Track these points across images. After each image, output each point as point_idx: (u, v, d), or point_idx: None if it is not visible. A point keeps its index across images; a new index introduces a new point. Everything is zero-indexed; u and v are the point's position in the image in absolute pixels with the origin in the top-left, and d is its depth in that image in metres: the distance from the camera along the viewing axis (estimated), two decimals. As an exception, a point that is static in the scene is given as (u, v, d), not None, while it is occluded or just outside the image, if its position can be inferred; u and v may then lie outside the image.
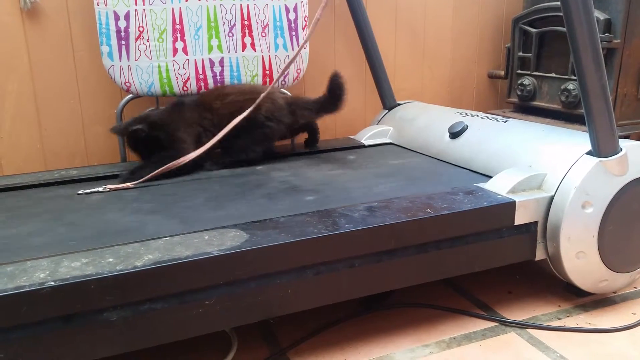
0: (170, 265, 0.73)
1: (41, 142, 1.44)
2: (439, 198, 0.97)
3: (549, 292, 1.11)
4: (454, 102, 1.94)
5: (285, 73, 1.46)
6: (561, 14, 0.94)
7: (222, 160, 1.27)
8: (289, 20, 1.44)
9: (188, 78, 1.39)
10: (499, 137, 1.18)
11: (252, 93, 1.30)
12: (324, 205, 0.97)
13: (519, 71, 1.78)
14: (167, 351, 0.93)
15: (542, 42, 1.69)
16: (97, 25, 1.31)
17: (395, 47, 1.79)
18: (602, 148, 0.98)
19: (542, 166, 1.03)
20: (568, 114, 1.63)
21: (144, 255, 0.75)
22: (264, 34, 1.42)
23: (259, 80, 1.44)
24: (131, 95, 1.40)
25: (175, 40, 1.36)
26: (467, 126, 1.28)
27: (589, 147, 1.00)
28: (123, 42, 1.32)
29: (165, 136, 1.21)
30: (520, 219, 0.98)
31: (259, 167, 1.27)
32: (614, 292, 1.11)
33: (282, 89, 1.49)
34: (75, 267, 0.72)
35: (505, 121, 1.26)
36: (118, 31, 1.32)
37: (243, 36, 1.41)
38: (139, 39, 1.33)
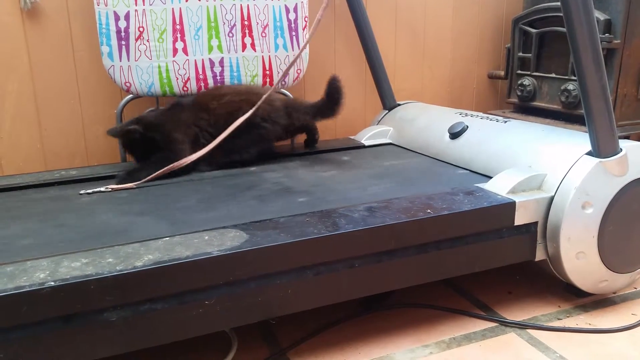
0: (170, 266, 0.73)
1: (41, 142, 1.44)
2: (439, 198, 0.97)
3: (549, 293, 1.12)
4: (454, 102, 1.94)
5: (286, 73, 1.45)
6: (561, 14, 0.94)
7: (215, 161, 1.25)
8: (289, 20, 1.44)
9: (188, 78, 1.39)
10: (499, 137, 1.18)
11: (249, 94, 1.30)
12: (315, 206, 0.96)
13: (519, 71, 1.78)
14: (167, 351, 0.93)
15: (542, 43, 1.69)
16: (97, 25, 1.31)
17: (395, 47, 1.79)
18: (602, 148, 0.98)
19: (542, 166, 1.03)
20: (568, 115, 1.63)
21: (144, 256, 0.75)
22: (264, 34, 1.42)
23: (259, 80, 1.44)
24: (131, 95, 1.40)
25: (175, 41, 1.36)
26: (467, 126, 1.28)
27: (589, 148, 1.00)
28: (123, 43, 1.32)
29: (160, 137, 1.21)
30: (520, 219, 0.98)
31: (252, 168, 1.26)
32: (614, 293, 1.11)
33: (282, 89, 1.50)
34: (75, 267, 0.72)
35: (505, 121, 1.26)
36: (118, 31, 1.32)
37: (243, 36, 1.41)
38: (139, 39, 1.33)
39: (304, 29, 1.46)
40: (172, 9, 1.35)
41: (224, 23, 1.39)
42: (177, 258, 0.74)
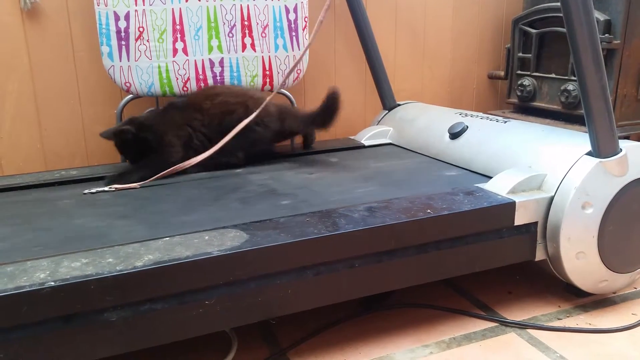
0: (171, 266, 0.73)
1: (41, 142, 1.44)
2: (439, 198, 0.97)
3: (549, 293, 1.12)
4: (453, 102, 1.94)
5: (285, 73, 1.46)
6: (561, 14, 0.94)
7: (203, 163, 1.21)
8: (289, 20, 1.44)
9: (188, 78, 1.39)
10: (499, 137, 1.18)
11: (245, 97, 1.30)
12: (297, 209, 0.95)
13: (519, 72, 1.78)
14: (167, 351, 0.93)
15: (542, 43, 1.69)
16: (97, 25, 1.31)
17: (395, 47, 1.79)
18: (602, 149, 0.98)
19: (542, 167, 1.03)
20: (568, 115, 1.63)
21: (144, 256, 0.75)
22: (264, 35, 1.42)
23: (259, 80, 1.44)
24: (131, 95, 1.40)
25: (175, 41, 1.36)
26: (467, 127, 1.28)
27: (588, 148, 1.00)
28: (123, 43, 1.33)
29: (153, 138, 1.21)
30: (520, 219, 0.98)
31: (238, 170, 1.25)
32: (614, 293, 1.11)
33: (282, 90, 1.50)
34: (76, 267, 0.72)
35: (505, 122, 1.26)
36: (118, 31, 1.32)
37: (243, 37, 1.41)
38: (139, 40, 1.33)
39: (304, 29, 1.46)
40: (172, 9, 1.35)
41: (224, 23, 1.39)
42: (177, 258, 0.74)
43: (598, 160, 0.97)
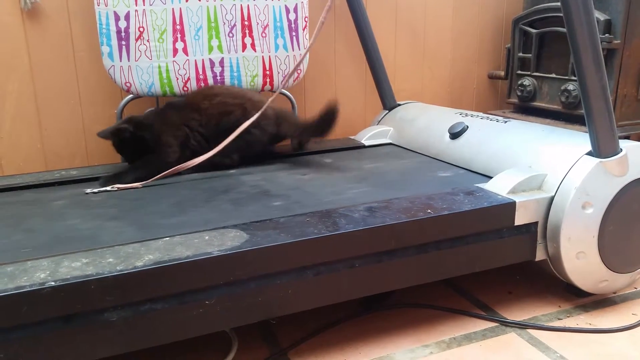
0: (171, 266, 0.73)
1: (41, 142, 1.44)
2: (439, 198, 0.97)
3: (549, 293, 1.11)
4: (454, 102, 1.94)
5: (285, 73, 1.46)
6: (561, 14, 0.94)
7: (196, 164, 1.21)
8: (289, 20, 1.44)
9: (188, 78, 1.39)
10: (499, 137, 1.18)
11: (242, 98, 1.29)
12: (289, 211, 0.95)
13: (519, 72, 1.78)
14: (167, 351, 0.93)
15: (542, 43, 1.69)
16: (98, 25, 1.31)
17: (395, 47, 1.80)
18: (602, 149, 0.98)
19: (542, 167, 1.03)
20: (568, 115, 1.63)
21: (145, 256, 0.75)
22: (264, 35, 1.42)
23: (259, 80, 1.44)
24: (131, 95, 1.40)
25: (175, 41, 1.36)
26: (467, 127, 1.28)
27: (589, 148, 1.00)
28: (123, 43, 1.33)
29: (150, 137, 1.20)
30: (520, 219, 0.98)
31: (231, 171, 1.24)
32: (614, 293, 1.11)
33: (281, 90, 1.49)
34: (76, 267, 0.72)
35: (506, 122, 1.26)
36: (118, 31, 1.32)
37: (243, 36, 1.41)
38: (139, 40, 1.33)
39: (304, 29, 1.46)
40: (172, 9, 1.35)
41: (224, 23, 1.39)
42: (177, 258, 0.74)
43: (598, 160, 0.97)
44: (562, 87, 1.61)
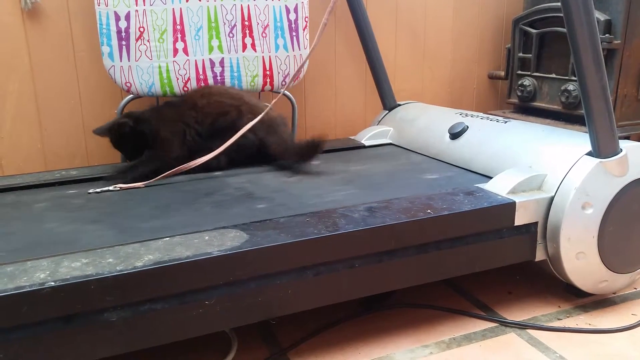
0: (171, 266, 0.73)
1: (42, 142, 1.45)
2: (439, 198, 0.97)
3: (549, 293, 1.12)
4: (454, 102, 1.94)
5: (285, 74, 1.46)
6: (561, 14, 0.94)
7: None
8: (289, 20, 1.44)
9: (188, 78, 1.39)
10: (499, 137, 1.18)
11: (240, 100, 1.29)
12: (273, 213, 0.94)
13: (519, 72, 1.78)
14: (167, 351, 0.94)
15: (543, 43, 1.69)
16: (98, 25, 1.31)
17: (395, 47, 1.79)
18: (602, 149, 0.98)
19: (542, 167, 1.03)
20: (568, 115, 1.63)
21: (144, 256, 0.75)
22: (264, 35, 1.42)
23: (259, 80, 1.44)
24: (132, 95, 1.40)
25: (175, 41, 1.36)
26: (468, 127, 1.28)
27: (589, 148, 1.00)
28: (123, 43, 1.33)
29: (150, 132, 1.20)
30: (520, 219, 0.98)
31: (217, 173, 1.22)
32: (614, 293, 1.11)
33: (281, 90, 1.49)
34: (76, 267, 0.72)
35: (506, 122, 1.26)
36: (119, 31, 1.32)
37: (243, 37, 1.41)
38: (140, 40, 1.33)
39: (304, 30, 1.46)
40: (173, 9, 1.35)
41: (225, 23, 1.39)
42: (177, 258, 0.75)
43: (598, 160, 0.97)
44: (562, 88, 1.61)
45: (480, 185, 1.05)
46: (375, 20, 1.69)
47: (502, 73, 1.87)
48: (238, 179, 1.18)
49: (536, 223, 1.00)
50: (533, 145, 1.10)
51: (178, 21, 1.36)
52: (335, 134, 1.77)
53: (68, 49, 1.42)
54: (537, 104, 1.73)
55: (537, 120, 1.67)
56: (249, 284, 0.79)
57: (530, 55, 1.72)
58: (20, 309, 0.66)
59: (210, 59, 1.40)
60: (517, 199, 0.97)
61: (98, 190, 1.10)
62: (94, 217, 0.96)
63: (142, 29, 1.33)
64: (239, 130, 1.21)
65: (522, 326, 1.00)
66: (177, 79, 1.38)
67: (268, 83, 1.45)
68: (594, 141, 0.98)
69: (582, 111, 1.15)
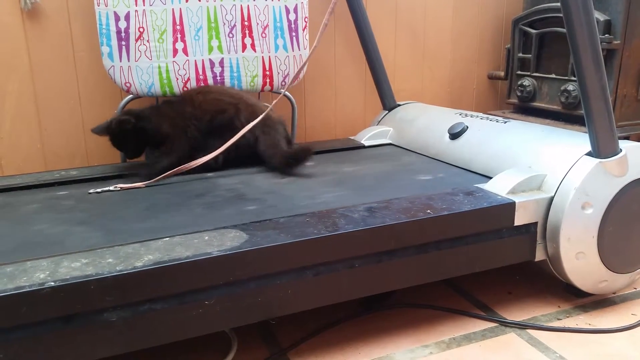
0: (170, 266, 0.73)
1: (41, 142, 1.44)
2: (438, 199, 0.97)
3: (549, 293, 1.12)
4: (453, 102, 1.94)
5: (285, 74, 1.46)
6: (561, 15, 0.94)
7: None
8: (289, 21, 1.44)
9: (188, 79, 1.39)
10: (498, 138, 1.18)
11: (238, 98, 1.29)
12: (263, 215, 0.93)
13: (519, 72, 1.78)
14: (167, 351, 0.94)
15: (542, 43, 1.69)
16: (98, 25, 1.31)
17: (395, 47, 1.80)
18: (601, 149, 0.98)
19: (542, 167, 1.03)
20: (568, 115, 1.63)
21: (144, 256, 0.75)
22: (264, 35, 1.42)
23: (259, 80, 1.44)
24: (131, 95, 1.40)
25: (175, 41, 1.36)
26: (467, 127, 1.28)
27: (588, 148, 1.00)
28: (123, 43, 1.33)
29: (151, 128, 1.20)
30: (520, 219, 0.98)
31: (209, 174, 1.21)
32: (614, 293, 1.11)
33: (281, 90, 1.50)
34: (75, 267, 0.72)
35: (505, 122, 1.26)
36: (118, 32, 1.32)
37: (243, 37, 1.41)
38: (139, 40, 1.33)
39: (304, 30, 1.46)
40: (172, 9, 1.35)
41: (224, 23, 1.39)
42: (177, 258, 0.75)
43: (598, 160, 0.97)
44: (562, 88, 1.61)
45: (480, 186, 1.05)
46: (374, 20, 1.70)
47: (502, 73, 1.87)
48: (230, 179, 1.17)
49: (536, 223, 1.00)
50: (533, 145, 1.10)
51: (178, 21, 1.36)
52: (335, 134, 1.77)
53: (68, 49, 1.42)
54: (536, 104, 1.73)
55: (537, 121, 1.67)
56: (249, 284, 0.79)
57: (529, 55, 1.72)
58: (20, 309, 0.66)
59: (210, 59, 1.40)
60: (517, 199, 0.97)
61: (99, 190, 1.10)
62: (81, 219, 0.95)
63: (141, 29, 1.33)
64: (237, 128, 1.21)
65: (522, 326, 1.00)
66: (177, 79, 1.38)
67: (268, 83, 1.45)
68: (594, 141, 0.98)
69: (582, 111, 1.15)
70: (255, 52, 1.42)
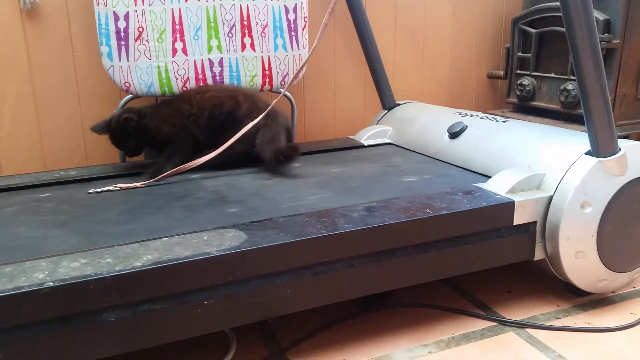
0: (170, 266, 0.73)
1: (40, 142, 1.44)
2: (437, 198, 0.97)
3: (548, 292, 1.12)
4: (453, 102, 1.94)
5: (285, 74, 1.46)
6: (560, 14, 0.94)
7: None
8: (288, 20, 1.44)
9: (187, 78, 1.39)
10: (498, 137, 1.18)
11: (236, 92, 1.29)
12: (243, 218, 0.92)
13: (519, 71, 1.78)
14: (167, 351, 0.94)
15: (542, 43, 1.69)
16: (97, 25, 1.31)
17: (394, 47, 1.80)
18: (601, 148, 0.98)
19: (541, 166, 1.03)
20: (567, 114, 1.63)
21: (143, 256, 0.75)
22: (263, 35, 1.42)
23: (258, 80, 1.44)
24: (131, 95, 1.40)
25: (174, 41, 1.36)
26: (467, 126, 1.28)
27: (588, 147, 1.00)
28: (122, 43, 1.33)
29: (153, 126, 1.20)
30: (519, 218, 0.98)
31: (194, 175, 1.20)
32: (613, 292, 1.11)
33: (280, 89, 1.50)
34: (74, 267, 0.72)
35: (505, 121, 1.26)
36: (117, 32, 1.32)
37: (242, 36, 1.41)
38: (139, 40, 1.33)
39: (303, 29, 1.46)
40: (172, 9, 1.35)
41: (224, 23, 1.39)
42: (176, 258, 0.75)
43: (597, 159, 0.97)
44: (561, 87, 1.61)
45: (479, 185, 1.05)
46: (374, 20, 1.70)
47: (501, 72, 1.87)
48: (214, 181, 1.15)
49: (535, 222, 1.00)
50: (532, 144, 1.10)
51: (177, 21, 1.36)
52: (335, 134, 1.77)
53: (67, 49, 1.42)
54: (536, 103, 1.73)
55: (536, 120, 1.67)
56: (248, 283, 0.79)
57: (529, 54, 1.72)
58: (19, 309, 0.66)
59: (209, 59, 1.40)
60: (516, 198, 0.97)
61: (98, 190, 1.10)
62: (60, 222, 0.93)
63: (141, 29, 1.33)
64: (238, 120, 1.21)
65: (521, 325, 1.00)
66: (176, 78, 1.38)
67: (267, 83, 1.45)
68: (593, 140, 0.98)
69: (581, 110, 1.15)
70: (254, 51, 1.42)
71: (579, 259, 1.00)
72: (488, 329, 0.99)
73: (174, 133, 1.22)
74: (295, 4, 1.43)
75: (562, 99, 1.61)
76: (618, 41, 1.49)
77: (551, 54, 1.67)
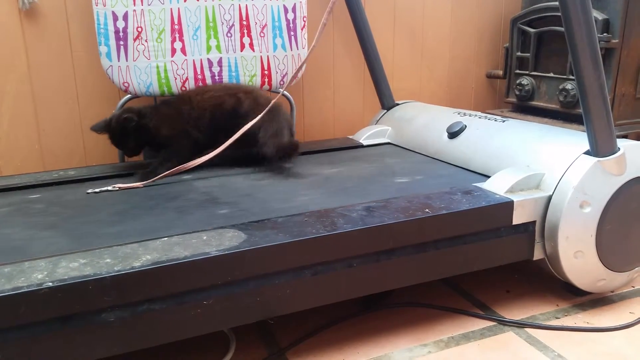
0: (169, 266, 0.73)
1: (39, 142, 1.44)
2: (437, 198, 0.97)
3: (547, 292, 1.12)
4: (452, 102, 1.94)
5: (284, 73, 1.46)
6: (559, 13, 0.94)
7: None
8: (287, 20, 1.44)
9: (186, 78, 1.39)
10: (497, 136, 1.18)
11: (237, 89, 1.29)
12: (234, 220, 0.91)
13: (518, 71, 1.78)
14: (166, 351, 0.93)
15: (541, 42, 1.69)
16: (96, 25, 1.31)
17: (393, 47, 1.80)
18: (600, 148, 0.98)
19: (540, 166, 1.03)
20: (566, 114, 1.63)
21: (142, 256, 0.75)
22: (262, 34, 1.42)
23: (257, 80, 1.44)
24: (129, 95, 1.40)
25: (173, 41, 1.36)
26: (466, 126, 1.28)
27: (587, 147, 1.00)
28: (121, 43, 1.32)
29: (153, 126, 1.20)
30: (518, 218, 0.98)
31: (186, 176, 1.18)
32: (612, 292, 1.11)
33: (280, 89, 1.49)
34: (74, 267, 0.72)
35: (504, 121, 1.26)
36: (116, 31, 1.32)
37: (241, 36, 1.41)
38: (138, 39, 1.33)
39: (302, 29, 1.46)
40: (171, 9, 1.34)
41: (223, 23, 1.39)
42: (175, 258, 0.74)
43: (596, 159, 0.97)
44: (560, 87, 1.61)
45: (478, 184, 1.05)
46: (373, 19, 1.69)
47: (500, 72, 1.87)
48: (206, 182, 1.15)
49: (534, 222, 1.00)
50: (531, 144, 1.10)
51: (176, 21, 1.36)
52: (334, 134, 1.77)
53: (66, 49, 1.42)
54: (535, 103, 1.73)
55: (535, 120, 1.67)
56: (247, 283, 0.79)
57: (528, 54, 1.72)
58: (18, 309, 0.66)
59: (208, 59, 1.40)
60: (515, 198, 0.97)
61: (97, 190, 1.10)
62: (50, 223, 0.92)
63: (140, 29, 1.33)
64: (240, 117, 1.20)
65: (520, 325, 1.00)
66: (175, 78, 1.38)
67: (266, 83, 1.45)
68: (592, 140, 0.98)
69: (580, 110, 1.15)
70: (253, 51, 1.42)
71: (578, 258, 1.00)
72: (487, 329, 0.99)
73: (173, 135, 1.22)
74: (294, 4, 1.43)
75: (561, 98, 1.61)
76: (617, 41, 1.50)
77: (550, 54, 1.67)
